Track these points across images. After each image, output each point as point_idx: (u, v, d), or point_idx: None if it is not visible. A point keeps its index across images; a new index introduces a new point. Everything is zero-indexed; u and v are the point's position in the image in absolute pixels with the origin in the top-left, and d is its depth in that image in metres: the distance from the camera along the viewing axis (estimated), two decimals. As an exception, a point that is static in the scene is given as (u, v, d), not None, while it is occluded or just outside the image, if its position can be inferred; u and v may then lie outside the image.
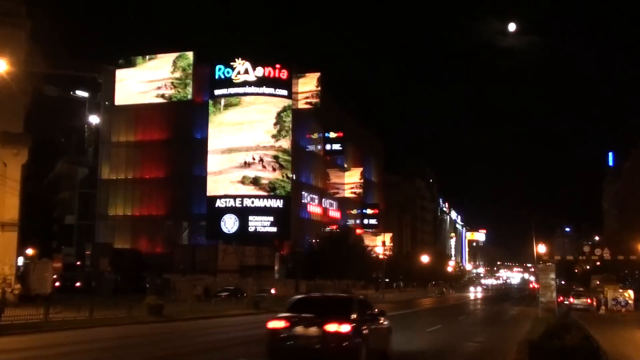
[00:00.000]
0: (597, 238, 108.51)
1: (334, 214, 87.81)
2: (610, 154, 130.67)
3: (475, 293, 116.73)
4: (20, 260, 48.12)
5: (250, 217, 69.48)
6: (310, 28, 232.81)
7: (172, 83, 74.20)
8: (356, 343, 13.41)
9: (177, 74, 74.20)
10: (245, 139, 70.46)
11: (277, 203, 70.26)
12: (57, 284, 52.48)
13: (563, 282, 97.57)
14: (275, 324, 14.14)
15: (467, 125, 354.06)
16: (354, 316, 13.80)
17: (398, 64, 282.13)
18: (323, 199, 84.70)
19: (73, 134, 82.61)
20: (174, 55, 74.83)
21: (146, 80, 74.85)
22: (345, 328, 13.22)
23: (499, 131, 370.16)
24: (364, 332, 13.95)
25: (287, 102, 72.32)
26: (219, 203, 69.98)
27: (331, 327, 13.14)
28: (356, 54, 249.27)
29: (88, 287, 55.80)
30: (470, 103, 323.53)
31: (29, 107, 42.53)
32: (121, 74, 75.78)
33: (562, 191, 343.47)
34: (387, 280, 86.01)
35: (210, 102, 72.09)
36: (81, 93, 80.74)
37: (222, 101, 71.72)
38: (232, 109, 71.37)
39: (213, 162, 70.84)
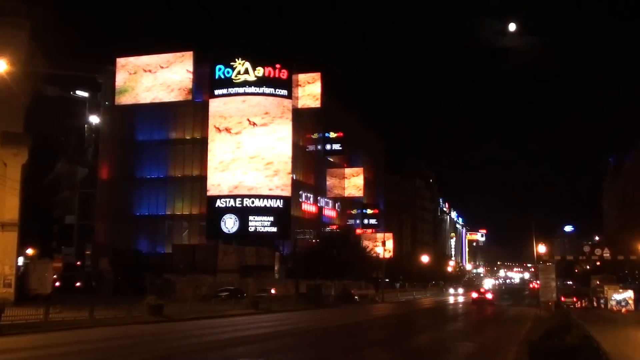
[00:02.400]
0: (597, 238, 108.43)
1: (334, 214, 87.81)
2: (611, 154, 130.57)
3: (455, 296, 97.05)
4: (20, 260, 48.10)
5: (250, 217, 69.42)
6: (310, 28, 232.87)
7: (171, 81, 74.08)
8: (492, 299, 71.29)
9: (177, 73, 74.08)
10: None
11: (277, 203, 70.26)
12: (57, 284, 52.47)
13: (570, 283, 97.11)
14: (474, 295, 72.13)
15: (467, 126, 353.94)
16: (491, 293, 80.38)
17: (398, 64, 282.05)
18: (323, 199, 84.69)
19: (73, 134, 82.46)
20: (173, 54, 74.73)
21: (145, 77, 74.77)
22: (491, 296, 73.81)
23: (499, 131, 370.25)
24: (492, 296, 74.68)
25: (286, 101, 72.37)
26: (219, 203, 69.95)
27: (487, 295, 72.44)
28: (356, 54, 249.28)
29: (88, 287, 55.77)
30: (470, 103, 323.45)
31: (29, 107, 42.47)
32: (120, 70, 75.73)
33: (562, 191, 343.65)
34: (387, 280, 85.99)
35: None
36: (81, 93, 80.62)
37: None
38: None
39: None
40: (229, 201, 69.67)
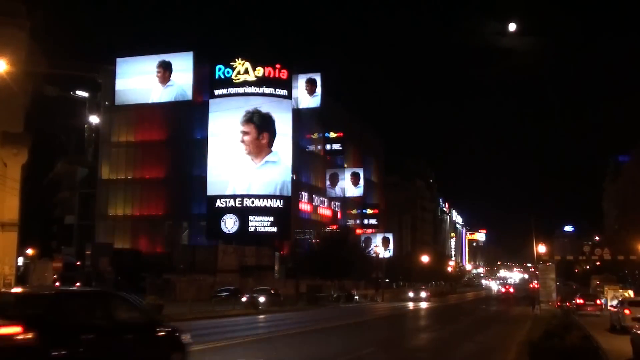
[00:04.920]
0: (597, 238, 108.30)
1: (334, 213, 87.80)
2: (611, 154, 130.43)
3: (415, 302, 68.97)
4: (20, 260, 48.14)
5: (250, 217, 69.47)
6: (310, 28, 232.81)
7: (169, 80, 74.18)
8: (514, 292, 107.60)
9: (177, 73, 74.09)
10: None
11: (277, 203, 70.29)
12: (57, 284, 52.46)
13: (574, 286, 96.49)
14: (502, 289, 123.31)
15: (467, 125, 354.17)
16: (513, 288, 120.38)
17: (398, 64, 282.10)
18: (323, 199, 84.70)
19: (73, 134, 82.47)
20: (174, 55, 74.79)
21: (146, 78, 74.83)
22: (512, 290, 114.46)
23: (499, 131, 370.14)
24: (514, 290, 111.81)
25: (286, 101, 72.50)
26: (219, 203, 69.99)
27: (510, 290, 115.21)
28: (356, 54, 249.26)
29: (88, 287, 55.70)
30: (470, 103, 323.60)
31: (29, 107, 42.44)
32: (120, 71, 75.74)
33: (562, 191, 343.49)
34: (387, 280, 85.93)
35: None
36: (81, 93, 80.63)
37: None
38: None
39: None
40: (229, 201, 69.70)
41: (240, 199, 69.64)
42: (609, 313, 31.68)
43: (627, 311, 26.49)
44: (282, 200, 70.54)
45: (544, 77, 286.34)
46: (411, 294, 76.60)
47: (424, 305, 63.25)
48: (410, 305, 61.90)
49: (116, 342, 9.92)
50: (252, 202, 69.66)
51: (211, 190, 70.47)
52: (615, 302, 39.72)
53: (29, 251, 60.63)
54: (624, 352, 17.45)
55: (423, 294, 77.26)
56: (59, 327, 8.89)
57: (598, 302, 42.75)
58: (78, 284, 58.61)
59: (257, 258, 66.15)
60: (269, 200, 70.07)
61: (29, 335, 8.08)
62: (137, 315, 11.24)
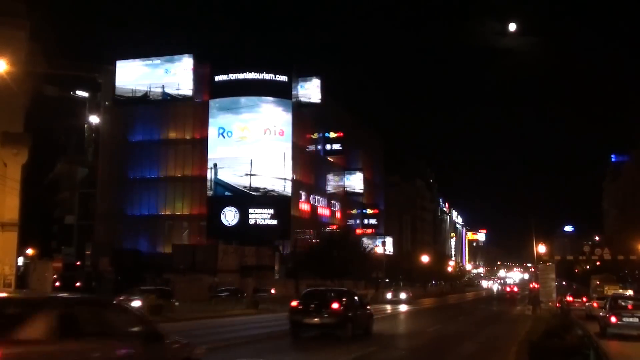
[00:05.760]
0: (597, 238, 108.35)
1: (334, 214, 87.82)
2: (611, 154, 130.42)
3: (394, 305, 57.93)
4: (20, 260, 48.11)
5: (251, 210, 69.76)
6: (310, 28, 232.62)
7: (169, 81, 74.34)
8: (517, 291, 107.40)
9: (177, 74, 74.16)
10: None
11: (277, 196, 70.70)
12: (57, 283, 52.49)
13: (574, 286, 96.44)
14: (507, 289, 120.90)
15: (467, 125, 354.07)
16: (517, 287, 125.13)
17: (398, 65, 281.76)
18: (323, 199, 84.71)
19: (73, 134, 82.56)
20: (174, 56, 74.89)
21: (145, 78, 74.95)
22: (516, 289, 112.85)
23: (499, 131, 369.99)
24: (517, 289, 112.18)
25: (286, 102, 72.71)
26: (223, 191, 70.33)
27: (514, 289, 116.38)
28: (356, 54, 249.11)
29: (88, 287, 55.79)
30: (470, 103, 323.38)
31: (29, 107, 42.45)
32: (120, 71, 75.83)
33: (562, 191, 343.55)
34: (387, 280, 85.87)
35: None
36: (81, 93, 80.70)
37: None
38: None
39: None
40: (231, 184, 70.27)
41: (240, 193, 69.84)
42: (586, 306, 41.35)
43: (595, 304, 36.03)
44: (281, 195, 70.74)
45: (544, 76, 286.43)
46: (389, 295, 67.20)
47: (403, 308, 52.86)
48: (388, 308, 52.47)
49: (355, 312, 22.96)
50: (253, 198, 69.74)
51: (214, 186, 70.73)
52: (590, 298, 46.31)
53: (29, 251, 60.65)
54: (592, 330, 23.37)
55: (403, 296, 66.22)
56: (344, 305, 22.45)
57: (584, 299, 49.58)
58: (78, 284, 58.77)
59: (257, 258, 66.18)
60: (270, 192, 70.36)
61: (339, 308, 21.92)
62: (359, 301, 24.91)
